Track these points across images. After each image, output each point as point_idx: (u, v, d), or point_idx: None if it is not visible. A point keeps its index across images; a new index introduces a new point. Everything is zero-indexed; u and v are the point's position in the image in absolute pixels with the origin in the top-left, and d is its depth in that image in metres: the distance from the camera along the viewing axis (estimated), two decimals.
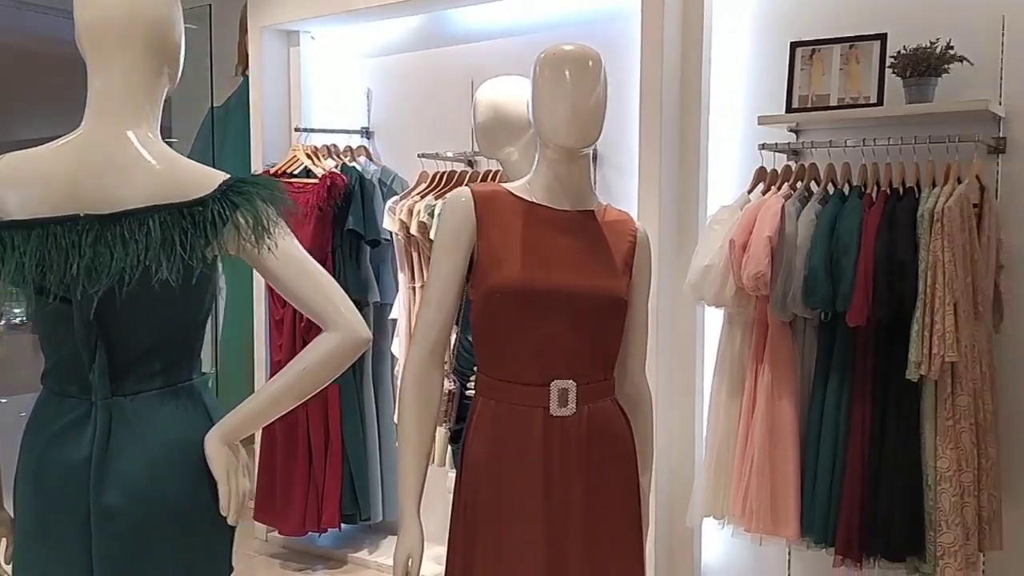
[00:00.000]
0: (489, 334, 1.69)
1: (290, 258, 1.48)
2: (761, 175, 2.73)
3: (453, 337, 2.94)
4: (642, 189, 2.99)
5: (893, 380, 2.42)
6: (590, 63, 1.65)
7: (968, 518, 2.38)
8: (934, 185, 2.43)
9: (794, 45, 2.69)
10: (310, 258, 1.51)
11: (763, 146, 2.72)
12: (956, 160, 2.41)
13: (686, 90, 2.99)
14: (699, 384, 3.01)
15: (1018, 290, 2.56)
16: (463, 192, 1.70)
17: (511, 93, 2.16)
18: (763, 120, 2.73)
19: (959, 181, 2.39)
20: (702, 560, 3.07)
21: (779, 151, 2.73)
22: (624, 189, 3.13)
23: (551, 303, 1.63)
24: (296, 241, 1.50)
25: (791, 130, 2.81)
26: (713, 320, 2.91)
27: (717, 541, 3.04)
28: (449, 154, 3.37)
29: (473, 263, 1.68)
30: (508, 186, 1.74)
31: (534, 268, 1.63)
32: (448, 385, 2.85)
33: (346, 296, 1.51)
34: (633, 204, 3.00)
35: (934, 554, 2.38)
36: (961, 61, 2.45)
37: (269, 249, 1.44)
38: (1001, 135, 2.54)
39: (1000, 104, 2.51)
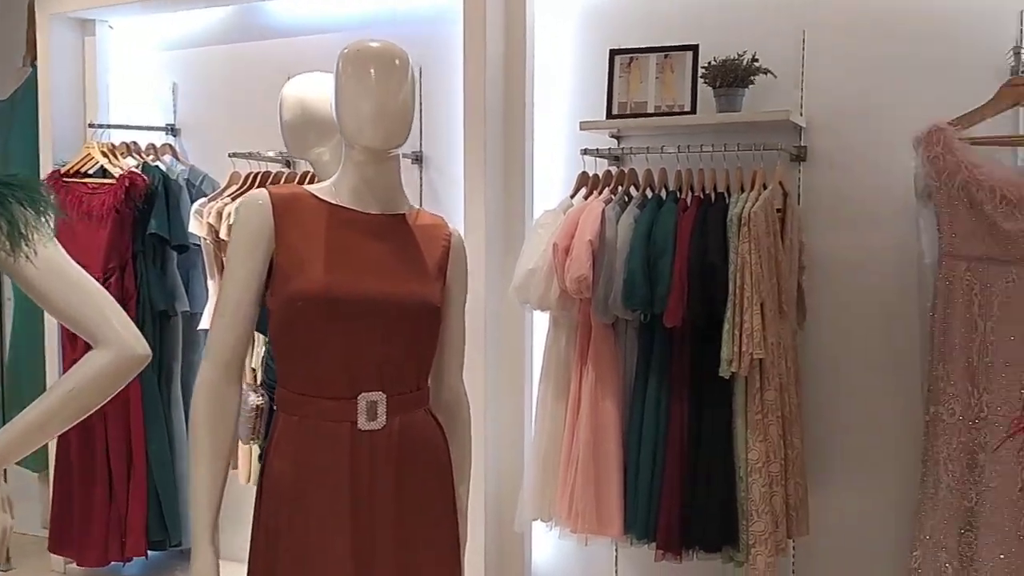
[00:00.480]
0: (290, 345, 1.59)
1: (53, 268, 1.35)
2: (583, 180, 2.77)
3: (262, 349, 2.81)
4: (468, 193, 2.97)
5: (707, 378, 2.51)
6: (396, 61, 1.59)
7: (776, 506, 2.51)
8: (742, 191, 2.55)
9: (613, 53, 2.75)
10: (78, 268, 1.39)
11: (585, 151, 2.77)
12: (762, 167, 2.55)
13: (510, 94, 3.00)
14: (527, 387, 3.02)
15: (819, 290, 2.73)
16: (259, 194, 1.60)
17: (321, 90, 2.07)
18: (585, 125, 2.78)
19: (764, 187, 2.52)
20: (532, 563, 3.08)
21: (601, 156, 2.78)
22: (450, 193, 3.10)
23: (358, 311, 1.55)
24: (62, 250, 1.38)
25: (612, 136, 2.88)
26: (541, 323, 2.93)
27: (546, 543, 3.06)
28: (270, 153, 3.21)
29: (272, 269, 1.58)
30: (311, 188, 1.65)
31: (339, 273, 1.56)
32: (256, 400, 2.71)
33: (121, 310, 1.41)
34: (459, 207, 2.97)
35: (746, 543, 2.49)
36: (766, 73, 2.59)
37: (27, 258, 1.31)
38: (802, 144, 2.71)
39: (801, 115, 2.67)
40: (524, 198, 3.02)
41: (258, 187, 3.10)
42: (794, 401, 2.60)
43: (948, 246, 2.34)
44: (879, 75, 2.62)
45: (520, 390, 3.05)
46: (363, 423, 1.57)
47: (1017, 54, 2.38)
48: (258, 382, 2.91)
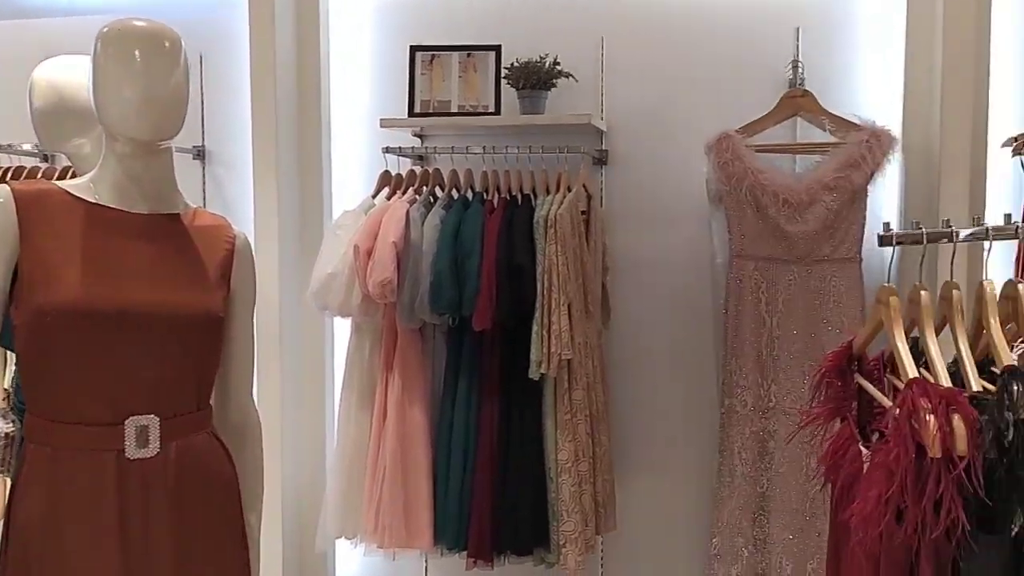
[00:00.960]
0: (39, 365, 1.38)
1: None
2: (386, 179, 2.66)
3: (13, 370, 2.45)
4: (258, 191, 2.77)
5: (517, 380, 2.49)
6: (166, 43, 1.42)
7: (586, 505, 2.54)
8: (548, 193, 2.55)
9: (414, 49, 2.67)
10: None
11: (387, 150, 2.66)
12: (566, 169, 2.56)
13: (304, 86, 2.83)
14: (328, 398, 2.87)
15: (621, 290, 2.80)
16: (0, 191, 1.39)
17: (78, 73, 1.81)
18: (385, 123, 2.67)
19: (569, 189, 2.54)
20: None
21: (404, 155, 2.69)
22: (238, 189, 2.87)
23: (122, 324, 1.37)
24: None
25: (416, 135, 2.79)
26: (342, 329, 2.78)
27: (351, 562, 2.91)
28: (26, 147, 2.81)
29: (16, 278, 1.37)
30: (65, 184, 1.45)
31: (98, 283, 1.37)
32: (5, 427, 2.34)
33: None
34: (249, 206, 2.76)
35: (557, 543, 2.49)
36: (567, 77, 2.62)
37: None
38: (604, 147, 2.77)
39: (602, 119, 2.73)
40: (321, 197, 2.86)
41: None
42: (600, 399, 2.65)
43: (738, 247, 2.47)
44: (673, 84, 2.73)
45: (320, 401, 2.88)
46: (132, 451, 1.38)
47: (795, 67, 2.56)
48: (9, 405, 2.53)
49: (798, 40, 2.60)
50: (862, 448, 1.21)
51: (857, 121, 2.41)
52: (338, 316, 2.61)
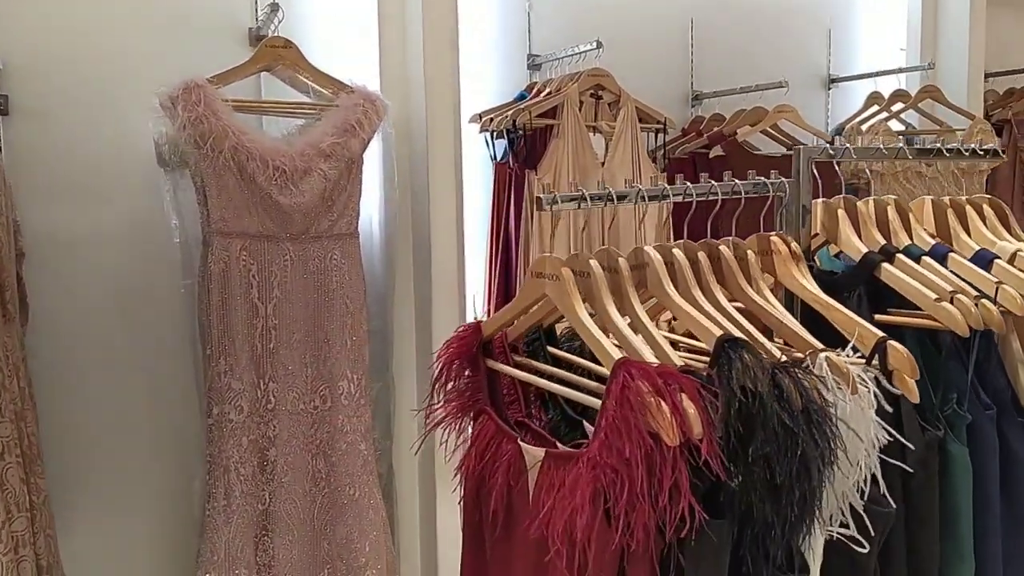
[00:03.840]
0: None
1: None
2: None
3: None
4: None
5: None
6: None
7: (27, 572, 1.86)
8: None
9: None
10: None
11: None
12: None
13: None
14: None
15: (42, 282, 2.14)
16: None
17: None
18: None
19: None
20: None
21: None
22: None
23: None
24: None
25: None
26: None
27: None
28: None
29: None
30: None
31: None
32: None
33: None
34: None
35: None
36: None
37: None
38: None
39: None
40: None
41: None
42: (33, 431, 1.97)
43: (220, 223, 2.05)
44: (99, 24, 2.17)
45: None
46: None
47: (273, 10, 2.23)
48: None
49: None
50: (522, 444, 0.99)
51: (348, 83, 2.19)
52: None
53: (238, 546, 2.05)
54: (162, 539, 2.31)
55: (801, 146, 1.31)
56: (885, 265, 1.07)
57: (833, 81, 3.33)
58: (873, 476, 0.92)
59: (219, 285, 2.05)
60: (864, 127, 2.98)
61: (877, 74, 3.20)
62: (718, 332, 0.88)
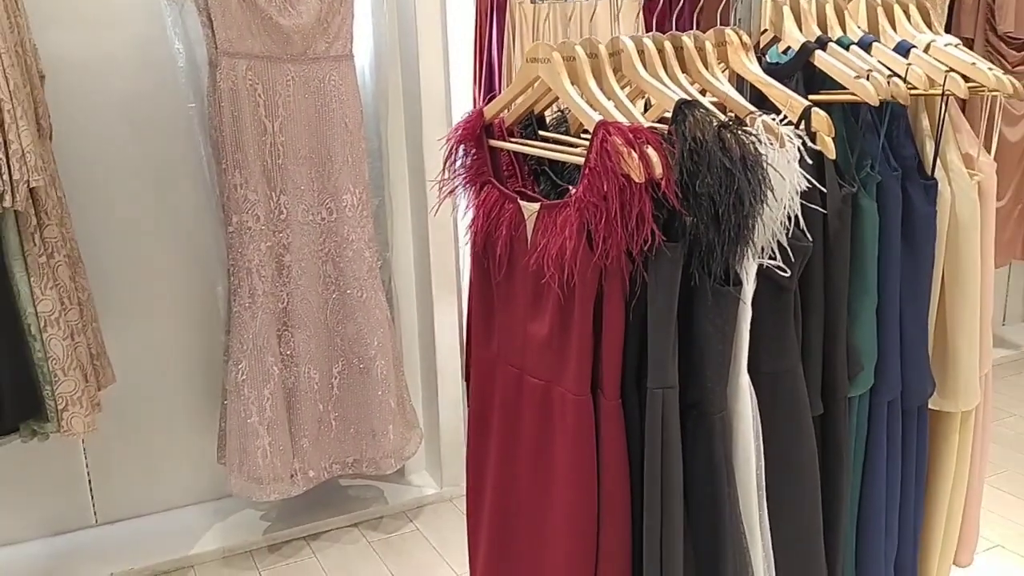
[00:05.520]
0: None
1: None
2: None
3: None
4: None
5: None
6: None
7: (83, 359, 2.14)
8: None
9: None
10: None
11: None
12: None
13: None
14: None
15: (58, 100, 2.30)
16: None
17: None
18: None
19: None
20: None
21: None
22: None
23: None
24: None
25: None
26: None
27: None
28: None
29: None
30: None
31: None
32: None
33: None
34: None
35: (56, 408, 2.08)
36: None
37: None
38: None
39: None
40: None
41: None
42: (73, 235, 2.20)
43: (225, 43, 2.21)
44: None
45: None
46: None
47: None
48: None
49: None
50: (521, 202, 1.23)
51: None
52: None
53: (264, 337, 2.33)
54: (189, 335, 2.59)
55: None
56: (819, 52, 1.29)
57: None
58: (796, 218, 1.17)
59: (229, 102, 2.23)
60: None
61: None
62: (677, 98, 1.11)
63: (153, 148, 2.48)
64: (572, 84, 1.17)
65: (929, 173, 1.35)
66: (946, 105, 1.32)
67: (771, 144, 1.11)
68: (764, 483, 1.24)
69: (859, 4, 1.40)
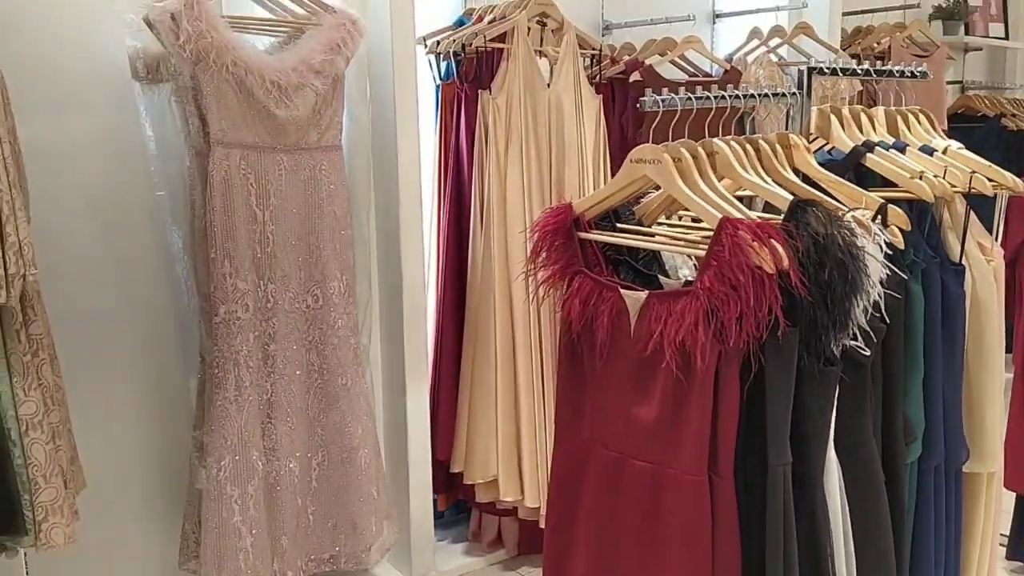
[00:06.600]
0: None
1: None
2: None
3: None
4: None
5: None
6: None
7: (63, 463, 1.99)
8: None
9: None
10: None
11: None
12: None
13: None
14: None
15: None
16: None
17: None
18: None
19: None
20: None
21: None
22: None
23: None
24: None
25: None
26: None
27: None
28: None
29: None
30: None
31: None
32: None
33: None
34: None
35: (34, 519, 1.91)
36: None
37: None
38: None
39: None
40: None
41: None
42: (48, 329, 2.07)
43: (219, 133, 2.18)
44: None
45: None
46: None
47: None
48: None
49: None
50: (622, 291, 1.29)
51: (329, 3, 2.34)
52: None
53: (250, 431, 2.24)
54: (155, 433, 2.45)
55: (806, 66, 1.68)
56: (869, 155, 1.45)
57: (718, 16, 3.73)
58: (875, 303, 1.29)
59: (221, 192, 2.19)
60: (750, 59, 3.41)
61: (757, 11, 3.63)
62: (789, 197, 1.22)
63: (120, 239, 2.37)
64: (683, 183, 1.26)
65: (957, 260, 1.52)
66: (967, 200, 1.50)
67: (864, 237, 1.24)
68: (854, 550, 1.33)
69: (879, 111, 1.58)
